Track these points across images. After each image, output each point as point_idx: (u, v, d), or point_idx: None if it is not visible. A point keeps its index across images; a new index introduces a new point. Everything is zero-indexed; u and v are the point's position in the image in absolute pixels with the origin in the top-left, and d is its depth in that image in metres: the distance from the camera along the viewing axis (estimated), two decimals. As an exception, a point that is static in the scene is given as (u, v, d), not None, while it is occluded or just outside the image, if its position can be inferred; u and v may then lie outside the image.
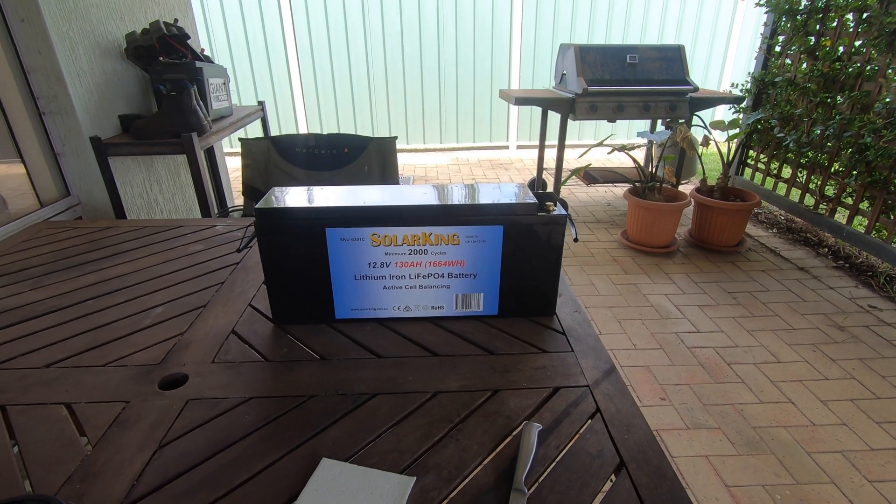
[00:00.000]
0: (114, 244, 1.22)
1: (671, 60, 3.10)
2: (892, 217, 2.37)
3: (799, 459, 1.48)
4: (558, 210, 0.83)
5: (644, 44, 4.11)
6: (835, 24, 2.63)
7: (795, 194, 3.05)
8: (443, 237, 0.81)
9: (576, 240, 0.85)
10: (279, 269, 0.82)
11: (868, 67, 2.45)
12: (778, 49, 3.07)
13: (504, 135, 5.46)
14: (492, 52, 5.08)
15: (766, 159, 3.22)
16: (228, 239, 1.26)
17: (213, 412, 0.68)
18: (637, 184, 2.91)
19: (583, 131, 5.46)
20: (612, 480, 0.58)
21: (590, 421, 0.66)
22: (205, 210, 1.78)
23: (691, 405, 1.70)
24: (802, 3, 2.83)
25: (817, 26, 2.73)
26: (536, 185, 3.88)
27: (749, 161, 3.40)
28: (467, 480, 0.57)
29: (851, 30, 2.53)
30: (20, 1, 1.44)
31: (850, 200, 2.63)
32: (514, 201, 0.81)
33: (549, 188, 3.72)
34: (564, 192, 3.95)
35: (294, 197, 0.83)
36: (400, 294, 0.86)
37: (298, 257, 0.81)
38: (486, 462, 0.60)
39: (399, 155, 5.41)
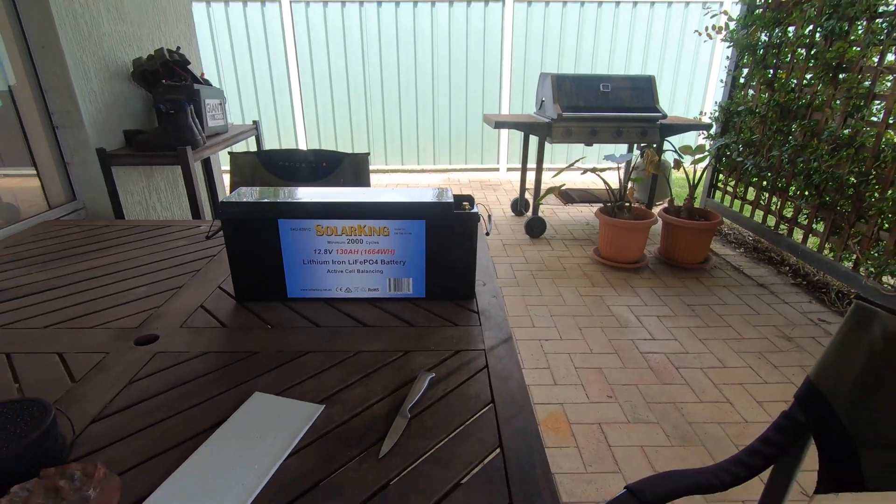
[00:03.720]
0: (109, 239, 1.41)
1: (642, 90, 3.31)
2: (840, 237, 2.53)
3: (726, 450, 1.61)
4: (474, 209, 1.00)
5: (617, 74, 4.34)
6: (788, 58, 2.84)
7: (760, 216, 3.21)
8: (375, 229, 0.99)
9: (487, 234, 1.02)
10: (240, 253, 1.00)
11: (817, 100, 2.64)
12: (742, 80, 3.28)
13: (494, 157, 5.69)
14: (483, 78, 5.35)
15: (733, 182, 3.40)
16: (209, 236, 1.44)
17: (174, 361, 0.84)
18: (608, 203, 3.09)
19: (571, 155, 5.68)
20: (481, 413, 0.74)
21: (477, 374, 0.82)
22: (196, 215, 1.97)
23: (635, 403, 1.84)
24: (761, 39, 3.05)
25: (774, 60, 2.94)
26: (519, 203, 4.07)
27: (719, 184, 3.58)
28: (366, 410, 0.73)
29: (802, 64, 2.74)
30: (42, 29, 1.66)
31: (805, 221, 2.79)
32: (433, 200, 0.99)
33: (531, 207, 3.89)
34: (546, 212, 4.13)
35: (254, 194, 1.01)
36: (341, 277, 1.03)
37: (256, 244, 0.99)
38: (384, 399, 0.76)
39: (394, 175, 5.65)
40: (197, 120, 1.94)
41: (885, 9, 2.26)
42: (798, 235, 2.86)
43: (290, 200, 0.97)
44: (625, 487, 0.74)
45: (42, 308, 1.02)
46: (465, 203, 1.02)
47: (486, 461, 0.64)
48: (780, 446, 0.81)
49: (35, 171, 1.76)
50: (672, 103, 5.57)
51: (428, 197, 1.00)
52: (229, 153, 1.86)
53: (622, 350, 2.17)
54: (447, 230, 0.99)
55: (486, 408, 0.74)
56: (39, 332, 0.93)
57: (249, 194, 1.01)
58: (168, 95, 1.88)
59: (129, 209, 2.01)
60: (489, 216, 1.08)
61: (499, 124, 3.37)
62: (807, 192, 2.70)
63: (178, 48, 2.14)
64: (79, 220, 1.57)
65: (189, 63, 2.08)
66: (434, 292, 1.05)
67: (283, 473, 0.61)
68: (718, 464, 0.80)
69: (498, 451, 0.65)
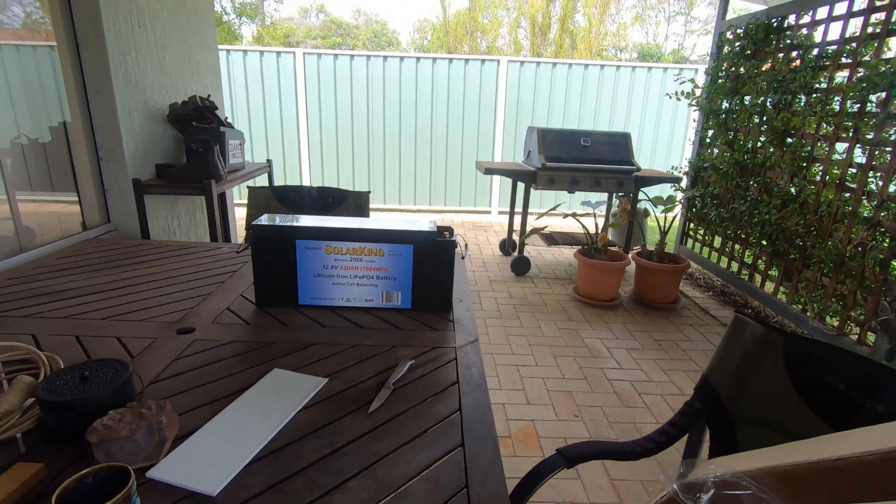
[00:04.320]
0: (144, 255, 1.65)
1: (619, 144, 3.67)
2: (791, 282, 2.80)
3: (675, 464, 1.80)
4: (452, 238, 1.26)
5: (597, 130, 4.74)
6: (745, 123, 3.20)
7: (725, 261, 3.49)
8: (372, 250, 1.24)
9: (463, 258, 1.27)
10: (263, 265, 1.24)
11: (769, 160, 2.98)
12: (708, 140, 3.65)
13: (487, 201, 6.03)
14: (478, 128, 5.76)
15: (702, 231, 3.71)
16: (230, 256, 1.68)
17: (209, 346, 1.07)
18: (585, 246, 3.37)
19: (559, 201, 6.02)
20: (448, 389, 0.96)
21: (448, 363, 1.05)
22: (213, 239, 2.21)
23: (599, 422, 2.04)
24: (723, 105, 3.43)
25: (734, 124, 3.31)
26: (507, 244, 4.35)
27: (690, 232, 3.88)
28: (360, 384, 0.96)
29: (756, 128, 3.10)
30: (99, 78, 1.97)
31: (763, 267, 3.07)
32: (419, 229, 1.24)
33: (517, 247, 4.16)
34: (533, 253, 4.41)
35: (279, 219, 1.27)
36: (344, 289, 1.27)
37: (277, 258, 1.23)
38: (374, 377, 0.98)
39: (392, 213, 5.96)
40: (221, 158, 2.23)
41: (818, 86, 2.63)
42: (758, 280, 3.13)
43: (306, 225, 1.22)
44: (556, 450, 0.95)
45: (97, 305, 1.24)
46: (445, 233, 1.27)
47: (450, 418, 0.86)
48: (683, 427, 1.03)
49: (77, 197, 2.02)
50: (653, 157, 5.98)
51: (416, 226, 1.26)
52: (248, 187, 2.13)
53: (591, 376, 2.38)
54: (430, 254, 1.24)
55: (452, 385, 0.97)
56: (99, 322, 1.15)
57: (274, 218, 1.27)
58: (198, 136, 2.16)
59: (153, 232, 2.26)
60: (465, 244, 1.34)
61: (489, 170, 3.70)
62: (763, 242, 2.99)
63: (209, 95, 2.45)
64: (115, 239, 1.81)
65: (217, 108, 2.39)
66: (418, 304, 1.29)
67: (295, 422, 0.83)
68: (634, 439, 1.02)
69: (458, 412, 0.88)
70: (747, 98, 3.20)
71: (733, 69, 3.34)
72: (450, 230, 1.30)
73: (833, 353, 0.85)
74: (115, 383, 0.79)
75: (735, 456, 0.85)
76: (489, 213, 6.06)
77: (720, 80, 3.45)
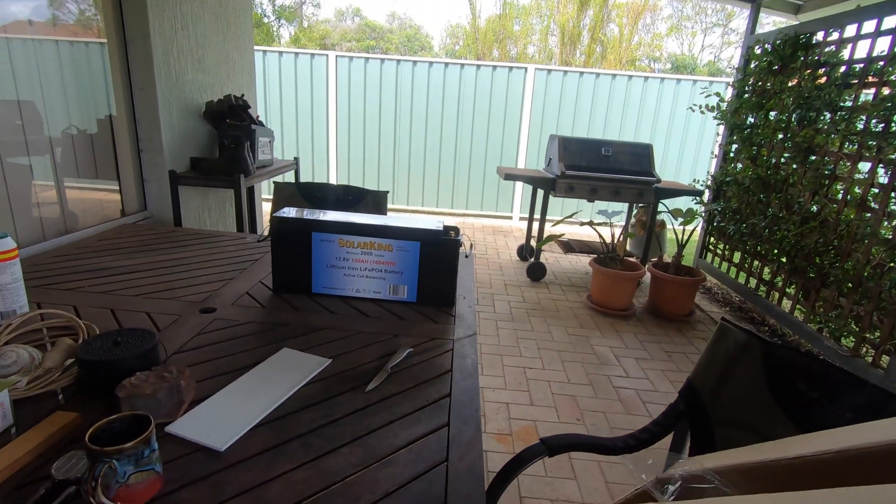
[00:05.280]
0: (176, 240, 1.77)
1: (640, 155, 3.68)
2: (809, 300, 2.76)
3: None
4: (458, 238, 1.33)
5: (618, 140, 4.73)
6: (769, 138, 3.18)
7: (744, 277, 3.46)
8: (382, 245, 1.32)
9: (467, 256, 1.34)
10: (281, 254, 1.34)
11: (791, 177, 2.95)
12: (732, 154, 3.62)
13: (509, 206, 6.08)
14: (503, 134, 5.82)
15: (721, 245, 3.68)
16: (253, 246, 1.80)
17: (228, 325, 1.17)
18: (601, 255, 3.39)
19: (580, 208, 6.02)
20: (441, 376, 1.03)
21: (444, 353, 1.12)
22: (240, 230, 2.34)
23: (600, 426, 2.07)
24: (749, 120, 3.40)
25: (759, 139, 3.29)
26: (525, 249, 4.39)
27: (710, 246, 3.85)
28: (361, 367, 1.04)
29: (779, 144, 3.07)
30: (144, 75, 2.12)
31: (781, 284, 3.03)
32: (427, 227, 1.32)
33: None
34: (549, 259, 4.44)
35: (297, 212, 1.37)
36: (354, 280, 1.35)
37: (294, 248, 1.33)
38: (374, 362, 1.06)
39: (412, 215, 6.06)
40: (251, 154, 2.36)
41: (843, 104, 2.60)
42: (775, 297, 3.09)
43: (322, 219, 1.32)
44: (539, 439, 1.01)
45: (131, 283, 1.36)
46: (451, 232, 1.35)
47: (440, 401, 0.93)
48: (666, 427, 1.08)
49: (118, 185, 2.18)
50: (678, 170, 5.92)
51: (424, 225, 1.34)
52: (274, 182, 2.25)
53: (597, 383, 2.41)
54: (436, 251, 1.32)
55: (446, 373, 1.04)
56: (132, 298, 1.27)
57: (292, 212, 1.37)
58: (230, 132, 2.30)
59: (185, 221, 2.40)
60: (471, 245, 1.41)
61: (508, 176, 3.75)
62: (782, 259, 2.96)
63: (243, 95, 2.60)
64: (150, 225, 1.95)
65: (249, 107, 2.53)
66: (423, 298, 1.36)
67: (298, 394, 0.91)
68: (618, 436, 1.07)
69: (448, 397, 0.95)
70: (772, 114, 3.18)
71: (759, 84, 3.32)
72: (456, 230, 1.37)
73: (807, 362, 0.89)
74: (143, 349, 0.89)
75: (709, 455, 0.90)
76: (510, 218, 6.11)
77: (746, 95, 3.43)
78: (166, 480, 0.68)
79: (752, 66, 3.41)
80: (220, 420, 0.81)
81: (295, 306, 1.29)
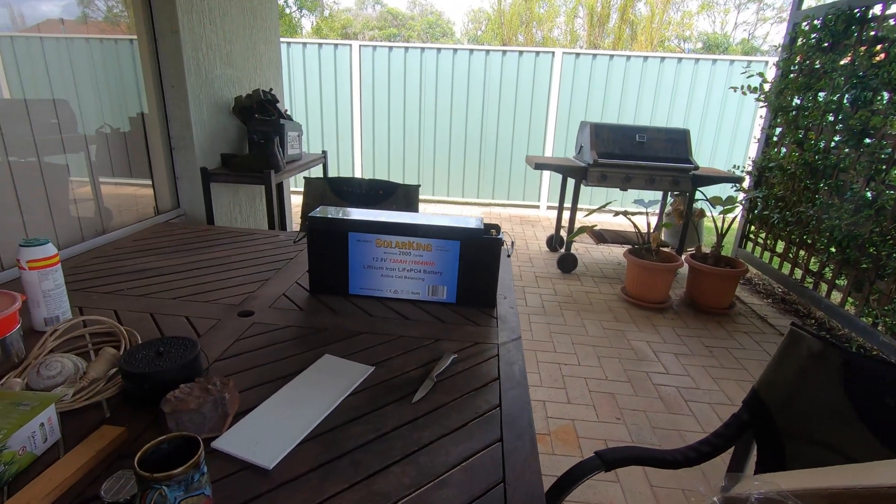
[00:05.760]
0: (210, 240, 1.76)
1: (677, 141, 3.53)
2: (862, 293, 2.61)
3: (721, 475, 1.75)
4: (499, 236, 1.28)
5: (653, 126, 4.56)
6: (818, 121, 3.00)
7: (788, 268, 3.30)
8: (420, 245, 1.27)
9: (509, 255, 1.28)
10: (318, 255, 1.31)
11: (842, 162, 2.78)
12: (775, 139, 3.44)
13: (536, 195, 5.97)
14: (530, 121, 5.69)
15: (763, 234, 3.51)
16: (287, 244, 1.77)
17: (267, 329, 1.14)
18: (636, 245, 3.28)
19: (610, 198, 5.87)
20: (489, 384, 0.99)
21: (490, 359, 1.08)
22: (271, 226, 2.33)
23: (641, 426, 2.00)
24: (794, 102, 3.22)
25: (805, 122, 3.10)
26: (554, 240, 4.30)
27: (750, 235, 3.69)
28: (404, 374, 1.00)
29: (830, 127, 2.89)
30: (173, 72, 2.11)
31: (830, 275, 2.88)
32: (467, 226, 1.27)
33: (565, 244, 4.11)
34: (580, 250, 4.33)
35: (333, 211, 1.33)
36: (392, 281, 1.31)
37: (330, 249, 1.29)
38: (418, 368, 1.02)
39: (438, 205, 6.01)
40: (280, 149, 2.34)
41: (905, 82, 2.42)
42: (823, 289, 2.94)
43: (358, 218, 1.28)
44: (594, 452, 0.96)
45: (170, 286, 1.35)
46: (492, 230, 1.29)
47: (490, 413, 0.89)
48: (728, 439, 1.01)
49: (151, 183, 2.19)
50: (713, 155, 5.70)
51: (464, 223, 1.29)
52: (304, 178, 2.23)
53: (636, 380, 2.33)
54: (477, 250, 1.27)
55: (494, 381, 0.99)
56: (171, 301, 1.26)
57: (328, 211, 1.33)
58: (260, 128, 2.28)
59: (217, 218, 2.41)
60: (512, 242, 1.35)
61: (539, 166, 3.66)
62: (832, 249, 2.81)
63: (271, 89, 2.58)
64: (184, 224, 1.95)
65: (278, 101, 2.50)
66: (463, 299, 1.32)
67: (343, 406, 0.88)
68: (676, 448, 1.01)
69: (498, 407, 0.90)
70: (821, 94, 2.99)
71: (807, 63, 3.13)
72: (496, 227, 1.31)
73: (897, 375, 0.81)
74: (186, 359, 0.87)
75: (782, 473, 0.83)
76: (538, 207, 6.00)
77: (792, 75, 3.24)
78: (216, 502, 0.66)
79: (800, 42, 3.21)
80: (266, 434, 0.79)
81: (333, 309, 1.26)
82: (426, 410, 0.88)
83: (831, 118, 2.90)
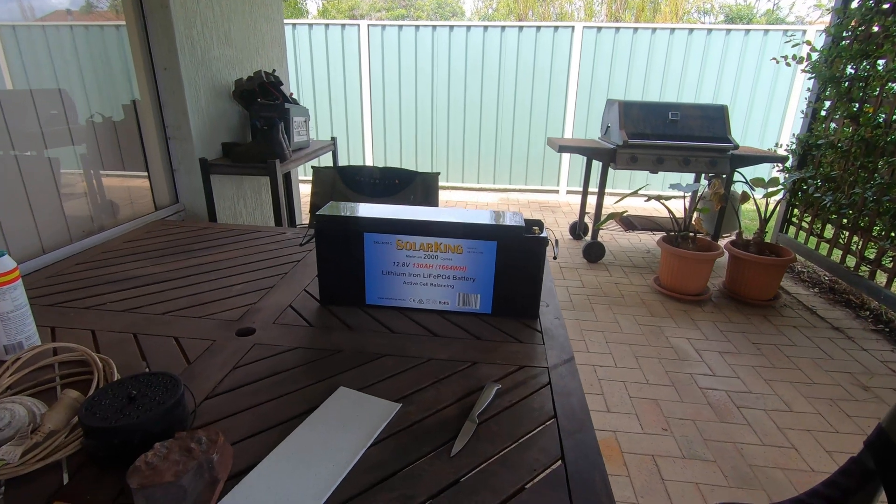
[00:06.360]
0: (209, 239, 1.58)
1: (713, 119, 3.25)
2: (930, 283, 2.36)
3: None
4: (543, 234, 1.07)
5: (686, 102, 4.27)
6: (877, 92, 2.70)
7: (837, 255, 3.04)
8: (450, 247, 1.07)
9: (555, 258, 1.08)
10: (328, 261, 1.11)
11: (908, 135, 2.50)
12: (823, 113, 3.14)
13: (555, 179, 5.70)
14: (548, 101, 5.40)
15: (809, 218, 3.24)
16: (294, 243, 1.58)
17: (270, 353, 0.95)
18: (671, 232, 3.04)
19: (633, 181, 5.59)
20: (545, 426, 0.79)
21: (541, 389, 0.88)
22: (278, 222, 2.15)
23: (692, 438, 1.80)
24: (847, 72, 2.92)
25: (860, 94, 2.81)
26: (579, 227, 4.06)
27: (793, 219, 3.42)
28: (438, 412, 0.81)
29: (892, 99, 2.60)
30: (165, 54, 1.91)
31: (890, 263, 2.62)
32: (506, 223, 1.06)
33: (590, 231, 3.87)
34: (606, 237, 4.09)
35: (344, 208, 1.13)
36: (415, 289, 1.12)
37: (343, 253, 1.10)
38: (454, 404, 0.83)
39: (452, 192, 5.79)
40: (285, 136, 2.13)
41: None
42: (881, 278, 2.68)
43: (375, 216, 1.07)
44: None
45: (159, 297, 1.17)
46: (535, 227, 1.08)
47: (550, 469, 0.69)
48: (845, 490, 0.80)
49: (147, 175, 2.00)
50: (745, 133, 5.37)
51: (501, 220, 1.08)
52: (312, 167, 2.03)
53: (680, 383, 2.12)
54: (517, 252, 1.06)
55: (550, 421, 0.79)
56: (159, 317, 1.07)
57: (339, 207, 1.13)
58: (263, 113, 2.08)
59: (220, 213, 2.23)
60: (556, 241, 1.14)
61: (563, 148, 3.41)
62: (893, 234, 2.54)
63: (274, 70, 2.37)
64: (182, 222, 1.76)
65: (282, 84, 2.30)
66: (500, 309, 1.12)
67: (365, 461, 0.69)
68: (779, 502, 0.81)
69: (560, 461, 0.70)
70: (881, 62, 2.69)
71: (863, 27, 2.82)
72: (539, 224, 1.10)
73: None
74: (165, 406, 0.69)
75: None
76: (557, 192, 5.74)
77: (844, 42, 2.94)
78: None
79: (855, 4, 2.90)
80: (267, 509, 0.60)
81: (347, 324, 1.07)
82: (469, 467, 0.69)
83: (893, 88, 2.61)
